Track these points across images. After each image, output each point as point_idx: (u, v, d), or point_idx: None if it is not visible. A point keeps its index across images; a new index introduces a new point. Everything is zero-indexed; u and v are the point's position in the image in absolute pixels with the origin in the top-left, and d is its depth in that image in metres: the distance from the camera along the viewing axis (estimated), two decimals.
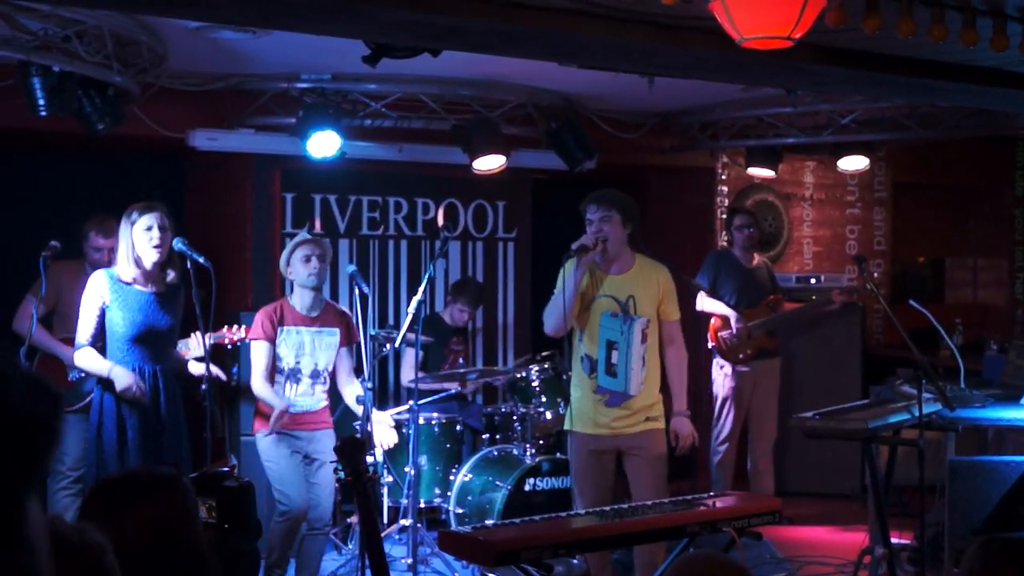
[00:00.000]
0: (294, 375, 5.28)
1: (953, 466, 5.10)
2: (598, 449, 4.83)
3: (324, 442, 5.29)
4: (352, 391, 5.43)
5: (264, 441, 5.21)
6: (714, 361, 7.14)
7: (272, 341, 5.23)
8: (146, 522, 1.99)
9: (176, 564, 2.00)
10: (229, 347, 5.57)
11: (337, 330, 5.37)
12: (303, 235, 5.37)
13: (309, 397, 5.30)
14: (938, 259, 10.76)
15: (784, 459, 7.65)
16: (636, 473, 4.88)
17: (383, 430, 5.46)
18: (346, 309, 5.66)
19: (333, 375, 5.41)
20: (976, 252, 10.59)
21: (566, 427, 4.95)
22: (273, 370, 5.26)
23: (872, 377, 7.46)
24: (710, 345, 7.10)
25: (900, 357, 7.52)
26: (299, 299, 5.31)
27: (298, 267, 5.26)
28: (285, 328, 5.25)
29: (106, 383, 4.72)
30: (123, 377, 4.66)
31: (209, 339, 4.93)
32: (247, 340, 5.35)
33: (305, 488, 5.21)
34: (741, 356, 7.04)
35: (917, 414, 4.87)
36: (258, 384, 5.21)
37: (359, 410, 5.34)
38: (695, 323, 6.93)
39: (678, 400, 5.03)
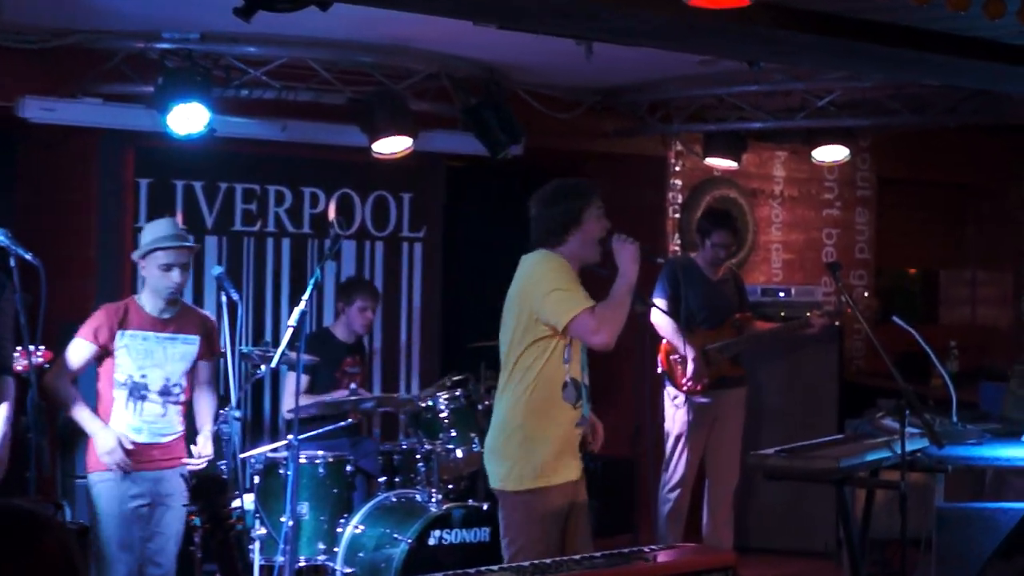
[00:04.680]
0: (138, 391, 5.22)
1: (941, 514, 5.19)
2: (567, 502, 4.74)
3: (174, 481, 5.24)
4: (208, 403, 5.41)
5: (99, 487, 5.16)
6: (665, 390, 7.18)
7: (102, 347, 5.19)
8: (54, 558, 1.99)
9: None
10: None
11: (196, 338, 5.35)
12: (167, 228, 5.30)
13: (160, 419, 5.25)
14: (931, 271, 10.98)
15: (745, 509, 7.73)
16: (578, 520, 4.83)
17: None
18: (210, 314, 5.62)
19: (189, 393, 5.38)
20: (975, 263, 10.82)
21: (524, 486, 4.66)
22: (110, 384, 5.22)
23: (852, 410, 7.57)
24: (660, 370, 7.14)
25: (885, 387, 7.66)
26: (149, 299, 5.29)
27: (153, 271, 5.24)
28: (128, 332, 5.21)
29: None
30: None
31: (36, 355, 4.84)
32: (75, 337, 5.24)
33: (136, 557, 5.17)
34: (699, 386, 7.06)
35: (899, 452, 4.96)
36: (54, 379, 5.13)
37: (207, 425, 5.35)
38: (640, 341, 6.95)
39: None
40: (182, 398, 5.35)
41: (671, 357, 7.11)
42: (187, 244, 5.32)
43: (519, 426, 4.71)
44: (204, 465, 5.34)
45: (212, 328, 5.48)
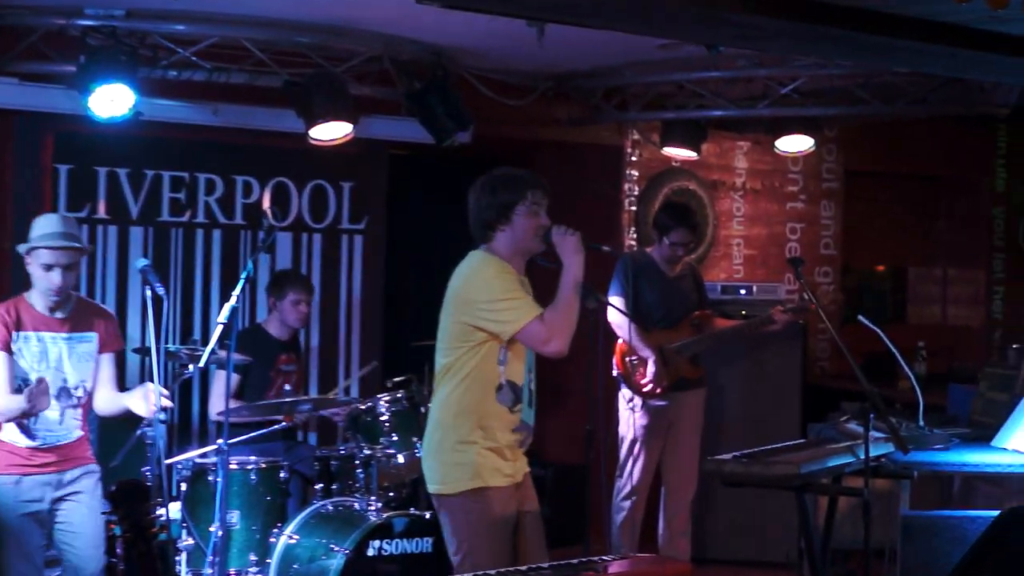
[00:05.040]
0: None
1: (906, 522, 5.23)
2: (511, 506, 4.77)
3: (84, 480, 5.23)
4: (112, 397, 5.34)
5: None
6: (620, 393, 7.19)
7: (8, 350, 5.13)
8: None
9: None
10: None
11: (94, 335, 5.31)
12: (52, 225, 5.20)
13: (57, 426, 5.20)
14: (900, 268, 11.06)
15: (704, 518, 7.76)
16: (530, 529, 4.86)
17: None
18: (105, 307, 5.60)
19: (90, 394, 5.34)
20: (946, 260, 10.91)
21: (460, 488, 4.69)
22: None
23: (815, 413, 7.62)
24: (615, 372, 7.14)
25: (849, 389, 7.72)
26: (39, 298, 5.22)
27: (36, 269, 5.18)
28: (22, 334, 5.16)
29: None
30: None
31: None
32: None
33: (37, 568, 5.13)
34: (659, 389, 7.06)
35: (863, 457, 4.99)
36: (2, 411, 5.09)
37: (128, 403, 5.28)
38: (592, 341, 6.94)
39: None
40: (80, 400, 5.29)
41: (628, 359, 7.10)
42: (72, 245, 5.17)
43: (450, 427, 4.74)
44: (169, 405, 5.29)
45: (109, 321, 5.42)
